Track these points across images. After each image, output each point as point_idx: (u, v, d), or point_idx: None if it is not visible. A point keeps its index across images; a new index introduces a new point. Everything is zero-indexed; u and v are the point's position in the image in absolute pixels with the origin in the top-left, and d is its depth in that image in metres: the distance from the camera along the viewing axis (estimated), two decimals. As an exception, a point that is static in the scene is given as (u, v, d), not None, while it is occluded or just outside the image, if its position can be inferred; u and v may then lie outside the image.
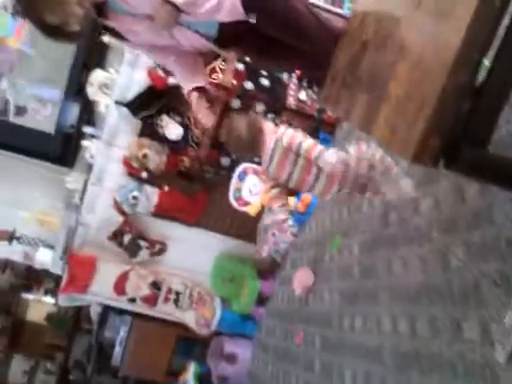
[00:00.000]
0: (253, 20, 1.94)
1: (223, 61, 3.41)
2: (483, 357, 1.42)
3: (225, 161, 3.54)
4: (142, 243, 3.82)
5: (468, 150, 0.99)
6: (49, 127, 3.89)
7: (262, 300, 3.75)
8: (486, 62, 1.03)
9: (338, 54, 1.65)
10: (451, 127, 0.99)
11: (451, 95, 0.98)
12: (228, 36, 2.00)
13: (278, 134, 2.09)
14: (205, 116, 2.17)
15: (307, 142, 2.06)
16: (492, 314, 1.43)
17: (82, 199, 3.77)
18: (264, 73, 3.50)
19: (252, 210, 3.45)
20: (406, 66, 1.16)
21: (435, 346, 1.68)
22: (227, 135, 2.23)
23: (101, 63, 3.66)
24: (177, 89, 3.33)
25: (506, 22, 1.01)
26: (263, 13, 1.95)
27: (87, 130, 3.76)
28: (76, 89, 3.76)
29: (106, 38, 3.45)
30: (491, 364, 1.40)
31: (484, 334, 1.45)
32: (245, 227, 3.80)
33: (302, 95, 3.54)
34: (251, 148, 2.14)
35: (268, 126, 2.15)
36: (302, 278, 3.14)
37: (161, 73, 3.27)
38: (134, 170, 3.54)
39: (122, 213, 3.69)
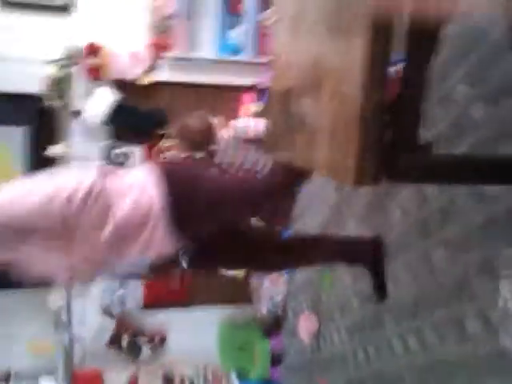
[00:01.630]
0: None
1: (166, 138, 3.46)
2: (493, 347, 1.41)
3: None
4: (142, 340, 3.72)
5: (402, 158, 1.02)
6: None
7: (276, 359, 3.65)
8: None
9: (271, 104, 1.70)
10: (379, 143, 1.02)
11: (370, 114, 1.01)
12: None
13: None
14: None
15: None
16: (486, 303, 1.43)
17: (69, 315, 3.67)
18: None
19: (239, 272, 3.42)
20: (325, 99, 1.20)
21: (447, 352, 1.66)
22: (180, 131, 2.42)
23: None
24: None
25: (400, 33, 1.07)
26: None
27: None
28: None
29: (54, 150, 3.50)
30: (503, 352, 1.38)
31: (486, 326, 1.44)
32: (237, 290, 3.75)
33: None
34: (203, 139, 2.36)
35: (215, 120, 2.40)
36: (306, 325, 3.09)
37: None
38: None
39: (112, 316, 3.60)
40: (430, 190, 1.83)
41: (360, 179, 1.02)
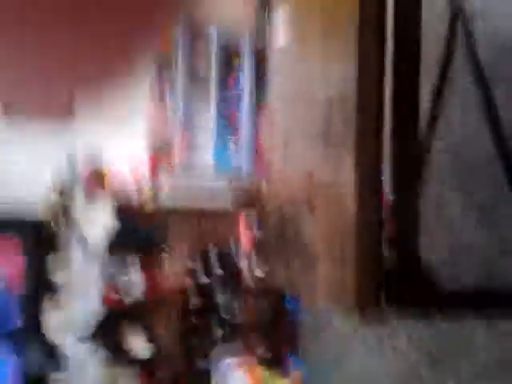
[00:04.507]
0: None
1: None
2: None
3: (200, 363, 3.37)
4: None
5: (400, 285, 1.00)
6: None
7: None
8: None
9: (267, 228, 1.72)
10: (378, 264, 1.01)
11: (366, 242, 1.01)
12: None
13: None
14: None
15: None
16: None
17: None
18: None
19: None
20: (320, 219, 1.21)
21: None
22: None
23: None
24: (137, 305, 3.31)
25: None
26: None
27: (55, 376, 3.55)
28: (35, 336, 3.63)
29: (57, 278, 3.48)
30: None
31: None
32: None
33: (258, 272, 3.56)
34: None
35: None
36: None
37: (115, 295, 3.26)
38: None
39: None
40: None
41: (361, 306, 0.99)
